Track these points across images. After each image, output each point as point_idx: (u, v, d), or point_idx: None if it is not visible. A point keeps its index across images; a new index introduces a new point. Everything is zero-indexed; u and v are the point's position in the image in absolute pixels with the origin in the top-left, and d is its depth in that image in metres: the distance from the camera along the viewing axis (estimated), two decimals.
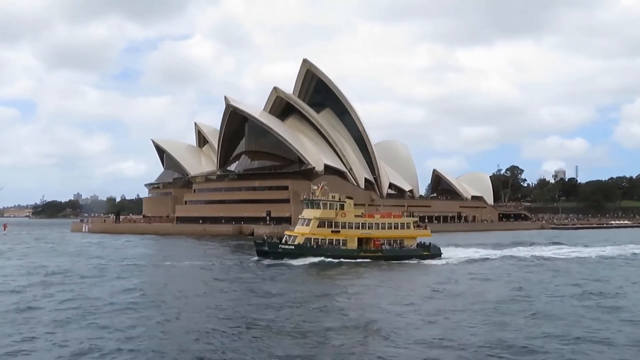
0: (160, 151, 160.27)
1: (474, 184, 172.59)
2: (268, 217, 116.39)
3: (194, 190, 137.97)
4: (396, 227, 56.69)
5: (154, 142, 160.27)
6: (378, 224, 56.07)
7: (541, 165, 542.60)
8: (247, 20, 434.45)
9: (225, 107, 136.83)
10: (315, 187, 57.27)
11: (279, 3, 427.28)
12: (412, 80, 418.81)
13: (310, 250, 53.44)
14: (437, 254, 56.50)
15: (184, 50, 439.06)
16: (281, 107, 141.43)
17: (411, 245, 56.59)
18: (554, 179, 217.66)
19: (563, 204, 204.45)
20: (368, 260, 52.67)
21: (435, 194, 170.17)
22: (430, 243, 57.86)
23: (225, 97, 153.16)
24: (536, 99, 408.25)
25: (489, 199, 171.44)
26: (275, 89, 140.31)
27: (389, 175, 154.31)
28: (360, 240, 54.88)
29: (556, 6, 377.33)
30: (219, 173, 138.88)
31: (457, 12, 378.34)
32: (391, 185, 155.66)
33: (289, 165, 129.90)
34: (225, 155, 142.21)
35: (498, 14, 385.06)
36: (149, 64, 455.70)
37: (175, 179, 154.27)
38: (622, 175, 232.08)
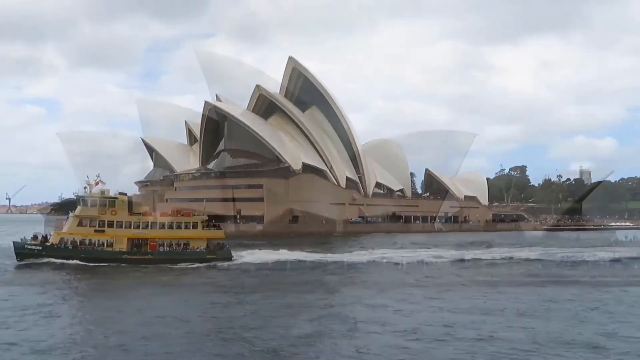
0: (150, 149, 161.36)
1: (469, 184, 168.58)
2: (238, 216, 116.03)
3: (175, 188, 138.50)
4: (179, 227, 52.26)
5: (143, 140, 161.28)
6: (155, 223, 51.75)
7: (568, 165, 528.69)
8: (269, 19, 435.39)
9: (204, 105, 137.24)
10: (89, 183, 53.71)
11: (301, 1, 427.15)
12: (436, 78, 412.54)
13: (64, 251, 49.46)
14: (226, 257, 52.57)
15: (207, 49, 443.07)
16: (265, 105, 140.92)
17: (198, 248, 52.43)
18: (559, 180, 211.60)
19: (569, 205, 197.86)
20: (140, 264, 48.93)
21: (427, 194, 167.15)
22: (224, 245, 54.50)
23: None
24: (563, 98, 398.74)
25: (484, 199, 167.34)
26: (257, 87, 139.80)
27: (377, 174, 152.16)
28: (134, 241, 50.97)
29: (584, 2, 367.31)
30: (202, 171, 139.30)
31: (482, 9, 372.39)
32: (381, 185, 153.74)
33: (267, 164, 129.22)
34: (207, 153, 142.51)
35: (524, 11, 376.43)
36: (172, 63, 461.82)
37: (165, 177, 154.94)
38: (633, 176, 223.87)
